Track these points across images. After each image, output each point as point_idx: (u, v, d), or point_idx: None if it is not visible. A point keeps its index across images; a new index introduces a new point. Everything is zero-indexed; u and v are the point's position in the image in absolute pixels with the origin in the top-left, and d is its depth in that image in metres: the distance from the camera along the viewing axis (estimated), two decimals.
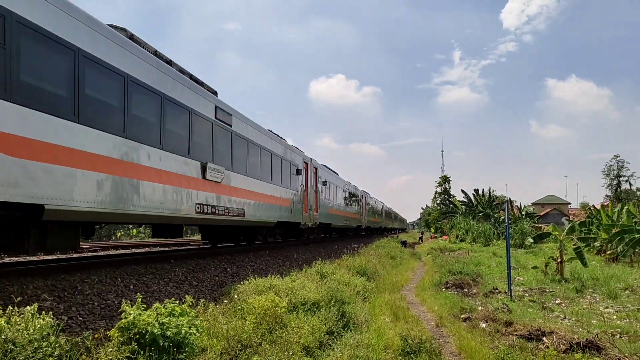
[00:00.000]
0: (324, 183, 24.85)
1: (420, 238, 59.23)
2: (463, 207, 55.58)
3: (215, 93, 13.06)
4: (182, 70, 11.49)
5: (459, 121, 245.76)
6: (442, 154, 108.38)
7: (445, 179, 68.37)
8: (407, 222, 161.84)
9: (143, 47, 9.65)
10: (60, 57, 7.19)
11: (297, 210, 19.76)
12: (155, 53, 10.37)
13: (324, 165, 26.56)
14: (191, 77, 11.84)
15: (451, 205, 60.99)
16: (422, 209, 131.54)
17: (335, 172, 29.44)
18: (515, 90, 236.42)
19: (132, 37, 9.55)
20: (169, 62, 10.89)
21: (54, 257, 13.94)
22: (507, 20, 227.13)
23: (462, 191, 56.96)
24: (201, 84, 12.33)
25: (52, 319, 5.20)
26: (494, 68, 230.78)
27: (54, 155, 6.90)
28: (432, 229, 69.63)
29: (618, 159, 72.35)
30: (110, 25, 8.61)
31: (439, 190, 68.64)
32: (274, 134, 17.94)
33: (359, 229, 41.94)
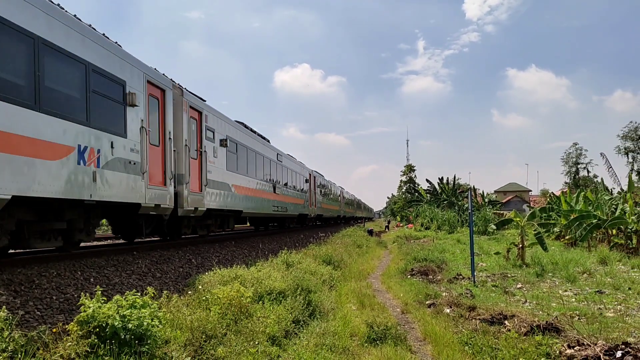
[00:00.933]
0: (319, 186, 35.51)
1: (387, 227, 59.88)
2: (428, 195, 56.34)
3: (268, 140, 22.23)
4: (261, 135, 21.06)
5: (424, 110, 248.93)
6: (407, 143, 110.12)
7: (410, 168, 69.18)
8: (374, 211, 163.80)
9: (250, 130, 18.33)
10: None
11: (306, 207, 30.25)
12: (253, 131, 19.26)
13: (320, 174, 37.71)
14: (264, 137, 20.90)
15: (416, 194, 61.75)
16: (388, 198, 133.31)
17: (321, 175, 38.28)
18: (478, 79, 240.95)
19: (245, 125, 15.74)
20: (253, 131, 19.72)
21: (11, 251, 13.49)
22: (470, 11, 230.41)
23: (427, 180, 57.75)
24: (268, 140, 21.92)
25: (6, 313, 5.01)
26: (457, 58, 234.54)
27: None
28: (398, 217, 70.43)
29: (577, 146, 74.52)
30: (237, 122, 15.89)
31: (404, 179, 69.47)
32: (293, 157, 27.58)
33: (338, 218, 51.98)
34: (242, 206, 17.51)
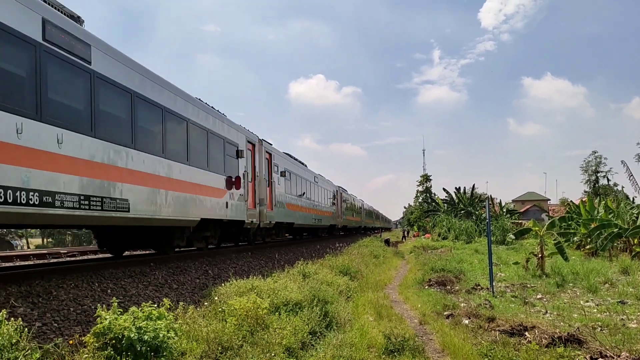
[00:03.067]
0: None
1: (404, 237, 59.49)
2: (445, 205, 55.86)
3: (306, 165, 25.80)
4: (300, 161, 24.51)
5: (439, 120, 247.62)
6: (423, 152, 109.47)
7: (426, 178, 68.60)
8: (392, 221, 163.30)
9: (294, 158, 21.42)
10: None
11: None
12: (295, 158, 22.36)
13: (344, 189, 40.93)
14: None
15: (433, 204, 61.26)
16: (405, 207, 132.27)
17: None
18: (494, 88, 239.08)
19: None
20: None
21: (30, 262, 13.64)
22: (485, 20, 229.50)
23: (444, 189, 57.25)
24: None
25: (24, 325, 5.03)
26: (472, 67, 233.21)
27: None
28: (414, 227, 69.92)
29: (596, 154, 73.29)
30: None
31: (420, 189, 68.87)
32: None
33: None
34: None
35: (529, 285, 14.05)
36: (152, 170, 10.16)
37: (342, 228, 42.03)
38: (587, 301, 11.71)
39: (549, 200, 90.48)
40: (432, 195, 66.52)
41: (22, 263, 13.08)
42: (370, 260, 22.59)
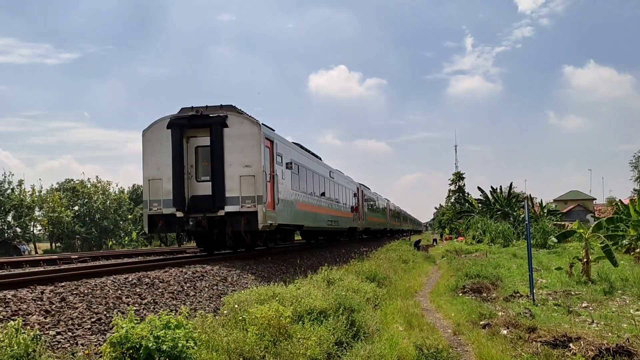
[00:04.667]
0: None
1: (435, 240, 59.16)
2: (479, 205, 55.42)
3: (320, 157, 26.65)
4: (314, 154, 24.83)
5: (473, 113, 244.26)
6: (455, 148, 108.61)
7: (459, 176, 68.10)
8: (422, 223, 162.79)
9: (306, 150, 22.60)
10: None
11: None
12: (307, 150, 23.26)
13: (367, 187, 41.99)
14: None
15: (467, 204, 60.82)
16: (436, 208, 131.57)
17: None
18: (532, 78, 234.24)
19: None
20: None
21: (41, 268, 13.98)
22: (523, 3, 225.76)
23: (479, 188, 56.76)
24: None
25: (39, 334, 5.18)
26: (508, 55, 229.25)
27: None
28: (446, 229, 69.46)
29: None
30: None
31: (452, 188, 68.40)
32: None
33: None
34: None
35: (573, 293, 13.89)
36: (340, 213, 25.02)
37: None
38: (637, 310, 11.54)
39: (595, 199, 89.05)
40: (466, 194, 66.04)
41: (33, 269, 13.40)
42: (399, 266, 22.56)
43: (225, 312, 8.66)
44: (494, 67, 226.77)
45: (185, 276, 11.24)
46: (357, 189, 36.13)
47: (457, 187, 67.81)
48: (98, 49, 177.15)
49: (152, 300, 8.90)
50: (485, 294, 14.36)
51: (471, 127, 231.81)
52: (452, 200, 69.55)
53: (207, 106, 15.95)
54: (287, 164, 18.49)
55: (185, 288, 10.36)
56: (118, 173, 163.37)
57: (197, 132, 15.81)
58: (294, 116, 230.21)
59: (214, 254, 16.72)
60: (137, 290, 9.19)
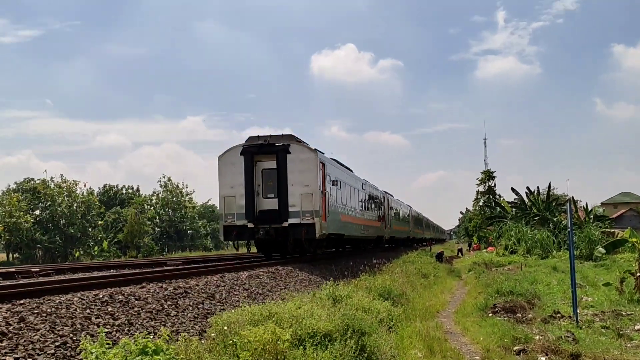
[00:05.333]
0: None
1: (460, 250, 59.16)
2: (513, 210, 55.35)
3: (352, 170, 32.19)
4: (347, 167, 30.34)
5: (505, 101, 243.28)
6: (485, 142, 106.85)
7: (488, 175, 68.06)
8: (446, 231, 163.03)
9: (341, 164, 28.50)
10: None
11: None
12: (341, 164, 28.79)
13: (390, 194, 47.44)
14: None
15: (498, 208, 60.75)
16: (462, 213, 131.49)
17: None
18: (575, 59, 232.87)
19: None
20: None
21: None
22: None
23: (512, 190, 56.70)
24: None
25: None
26: (548, 32, 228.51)
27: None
28: (474, 238, 69.41)
29: None
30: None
31: (481, 189, 68.37)
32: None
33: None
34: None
35: (624, 313, 13.88)
36: (371, 222, 34.54)
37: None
38: None
39: None
40: (497, 197, 65.98)
41: None
42: (418, 281, 22.58)
43: (212, 335, 8.69)
44: (531, 46, 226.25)
45: (166, 293, 11.28)
46: (383, 197, 42.68)
47: (486, 188, 67.80)
48: (63, 25, 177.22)
49: (126, 321, 8.92)
50: (519, 314, 14.36)
51: (503, 117, 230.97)
52: (480, 204, 69.51)
53: (271, 135, 22.63)
54: (333, 181, 24.93)
55: (166, 307, 10.39)
56: (86, 171, 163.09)
57: (263, 157, 22.22)
58: (293, 104, 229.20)
59: (271, 259, 23.30)
60: (109, 310, 9.22)
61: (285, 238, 22.03)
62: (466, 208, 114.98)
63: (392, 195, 49.28)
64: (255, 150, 22.15)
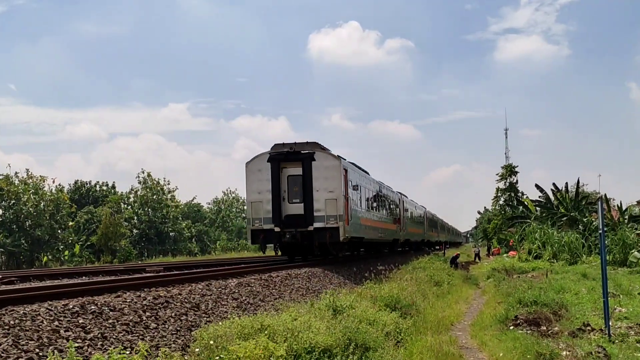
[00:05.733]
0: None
1: (477, 255, 59.25)
2: (538, 209, 55.44)
3: (368, 172, 35.43)
4: (363, 169, 33.52)
5: (528, 86, 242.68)
6: (506, 133, 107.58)
7: (510, 170, 68.16)
8: (462, 233, 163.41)
9: (363, 170, 33.40)
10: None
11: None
12: (359, 167, 32.63)
13: (404, 195, 51.33)
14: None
15: (520, 208, 60.84)
16: (479, 213, 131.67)
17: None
18: (608, 39, 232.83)
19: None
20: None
21: None
22: None
23: (537, 186, 56.84)
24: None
25: None
26: (577, 8, 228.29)
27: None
28: (493, 241, 69.49)
29: None
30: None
31: (501, 185, 68.51)
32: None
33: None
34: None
35: None
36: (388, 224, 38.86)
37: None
38: None
39: None
40: (519, 195, 66.08)
41: None
42: (430, 289, 22.60)
43: (197, 350, 8.69)
44: (558, 24, 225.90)
45: (145, 303, 11.27)
46: (399, 199, 47.15)
47: (507, 184, 67.90)
48: (28, 0, 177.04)
49: (99, 335, 8.92)
50: (544, 327, 14.36)
51: (526, 104, 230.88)
52: (500, 203, 69.66)
53: (295, 143, 26.18)
54: (354, 186, 28.83)
55: (145, 318, 10.38)
56: (55, 165, 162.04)
57: (289, 164, 25.77)
58: (288, 90, 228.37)
59: (294, 261, 27.01)
60: (80, 322, 9.21)
61: (310, 241, 25.51)
62: (484, 207, 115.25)
63: (406, 196, 53.19)
64: (282, 157, 25.76)
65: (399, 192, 48.95)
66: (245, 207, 76.06)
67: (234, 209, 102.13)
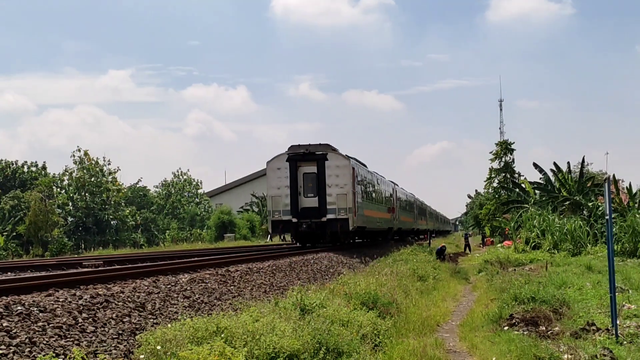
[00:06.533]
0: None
1: (467, 245, 59.70)
2: (537, 192, 55.91)
3: (366, 165, 44.94)
4: (361, 162, 41.84)
5: (526, 50, 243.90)
6: (500, 105, 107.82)
7: (505, 147, 68.43)
8: (450, 221, 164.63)
9: (362, 163, 41.83)
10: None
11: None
12: (358, 160, 40.34)
13: (395, 184, 59.65)
14: (363, 163, 42.97)
15: (517, 190, 61.37)
16: (470, 197, 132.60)
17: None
18: None
19: (359, 162, 41.48)
20: (358, 160, 40.43)
21: None
22: None
23: (535, 166, 57.24)
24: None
25: None
26: None
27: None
28: (486, 229, 70.08)
29: None
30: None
31: (495, 165, 68.83)
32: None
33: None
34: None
35: None
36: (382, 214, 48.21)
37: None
38: None
39: None
40: (516, 176, 66.58)
41: None
42: (413, 285, 22.72)
43: (142, 356, 8.65)
44: None
45: (81, 302, 11.18)
46: (392, 188, 55.89)
47: (502, 164, 68.23)
48: None
49: (27, 340, 8.84)
50: (543, 327, 14.49)
51: (524, 72, 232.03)
52: (494, 185, 70.06)
53: (310, 144, 34.38)
54: (359, 181, 37.06)
55: (81, 320, 10.31)
56: None
57: (304, 163, 33.91)
58: (249, 55, 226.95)
59: (306, 247, 34.21)
60: (4, 325, 9.12)
61: (323, 230, 33.91)
62: (475, 190, 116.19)
63: (397, 185, 61.23)
64: (299, 158, 34.13)
65: (392, 182, 57.51)
66: (200, 194, 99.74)
67: (185, 193, 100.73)
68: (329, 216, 33.65)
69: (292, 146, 34.88)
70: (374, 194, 45.87)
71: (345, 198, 33.88)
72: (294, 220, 33.60)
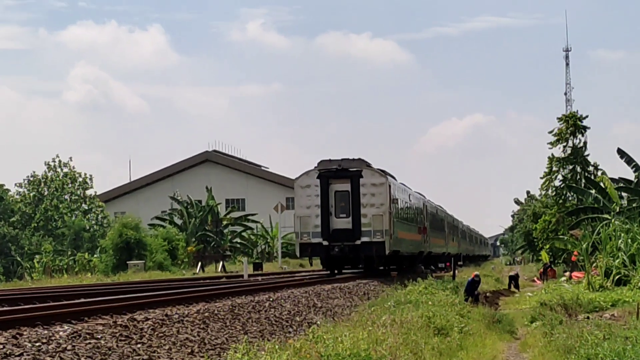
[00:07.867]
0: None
1: (513, 278, 59.96)
2: (623, 195, 56.21)
3: (395, 177, 63.47)
4: (390, 175, 60.86)
5: None
6: (567, 57, 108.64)
7: (574, 124, 68.33)
8: (488, 241, 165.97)
9: (392, 176, 58.85)
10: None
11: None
12: (393, 177, 61.94)
13: (423, 196, 75.51)
14: (393, 176, 60.12)
15: (592, 192, 61.44)
16: (517, 203, 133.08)
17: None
18: None
19: (426, 201, 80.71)
20: (393, 176, 61.75)
21: None
22: None
23: (620, 153, 57.44)
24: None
25: None
26: None
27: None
28: (543, 253, 70.32)
29: None
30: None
31: (558, 152, 68.89)
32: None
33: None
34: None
35: None
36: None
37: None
38: None
39: None
40: (590, 169, 66.61)
41: None
42: (427, 341, 22.74)
43: None
44: None
45: None
46: (423, 204, 69.69)
47: (568, 150, 68.15)
48: None
49: None
50: None
51: (601, 9, 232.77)
52: (556, 184, 70.04)
53: (342, 159, 46.49)
54: (394, 199, 49.00)
55: None
56: None
57: (336, 181, 46.12)
58: None
59: (334, 274, 46.37)
60: None
61: (356, 255, 44.57)
62: (527, 193, 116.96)
63: (425, 197, 76.01)
64: (331, 175, 44.21)
65: (419, 194, 72.04)
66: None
67: (66, 196, 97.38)
68: (364, 239, 43.19)
69: (322, 161, 44.67)
70: (406, 213, 56.88)
71: (381, 219, 43.33)
72: (325, 243, 43.22)
